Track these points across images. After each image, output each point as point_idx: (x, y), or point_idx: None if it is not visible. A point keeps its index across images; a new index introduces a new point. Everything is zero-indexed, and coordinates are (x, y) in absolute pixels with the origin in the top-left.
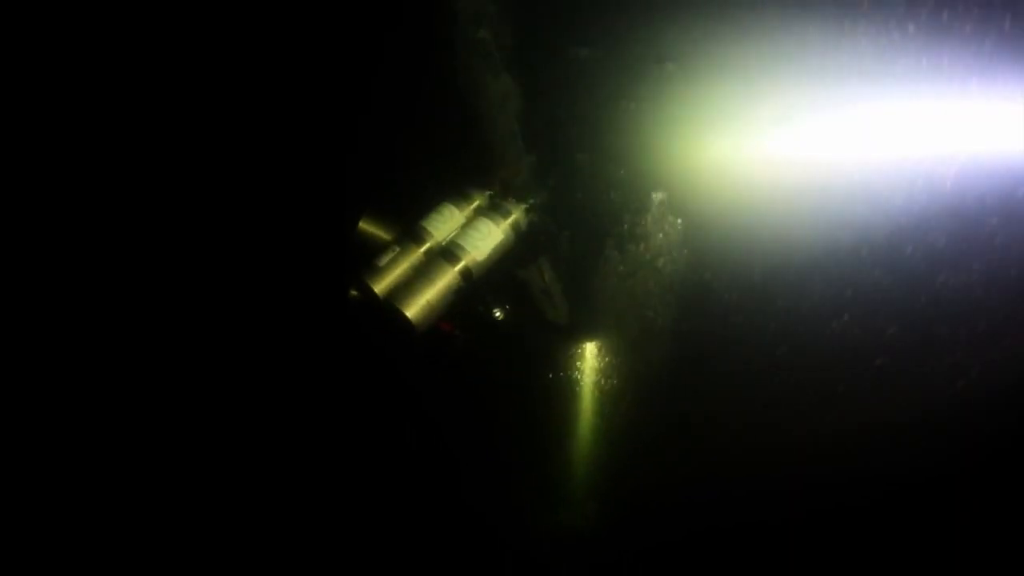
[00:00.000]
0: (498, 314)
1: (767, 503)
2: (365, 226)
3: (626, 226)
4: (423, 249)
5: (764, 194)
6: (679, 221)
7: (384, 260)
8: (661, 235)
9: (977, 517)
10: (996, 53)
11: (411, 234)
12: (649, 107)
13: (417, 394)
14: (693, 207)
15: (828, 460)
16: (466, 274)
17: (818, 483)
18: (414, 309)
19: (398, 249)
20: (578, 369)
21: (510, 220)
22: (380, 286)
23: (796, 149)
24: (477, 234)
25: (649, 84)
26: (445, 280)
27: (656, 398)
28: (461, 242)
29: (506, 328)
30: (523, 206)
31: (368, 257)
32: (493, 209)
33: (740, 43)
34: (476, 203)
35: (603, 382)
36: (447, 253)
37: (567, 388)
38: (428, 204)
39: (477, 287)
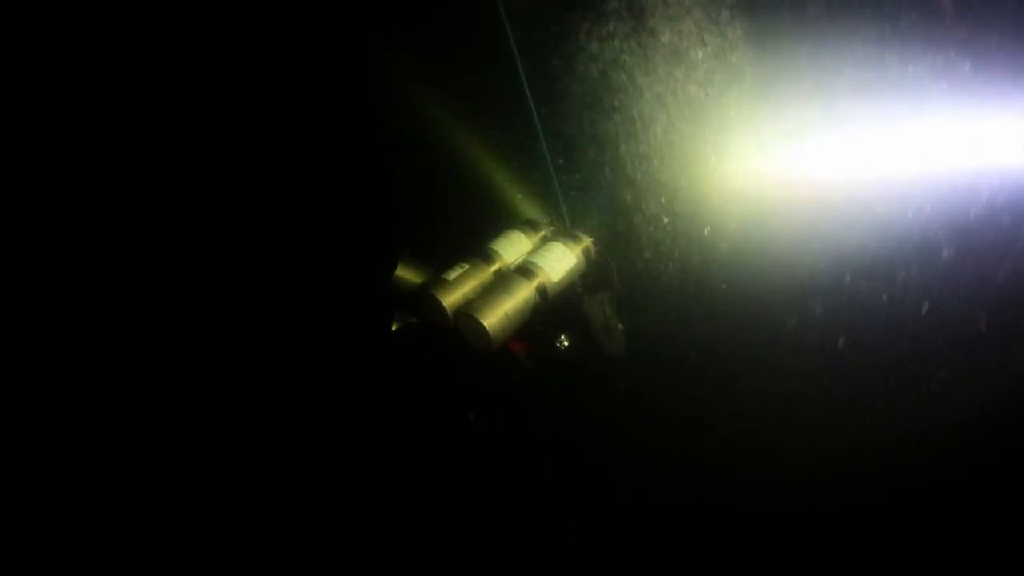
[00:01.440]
0: (565, 342)
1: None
2: (402, 273)
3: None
4: (493, 269)
5: (788, 208)
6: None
7: (453, 275)
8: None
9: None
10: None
11: (479, 254)
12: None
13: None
14: (713, 219)
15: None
16: (542, 291)
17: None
18: (491, 319)
19: (467, 266)
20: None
21: (582, 246)
22: (450, 298)
23: (819, 162)
24: (551, 255)
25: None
26: (522, 294)
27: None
28: (536, 261)
29: (568, 356)
30: (591, 237)
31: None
32: (564, 235)
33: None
34: (543, 232)
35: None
36: (522, 270)
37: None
38: (493, 231)
39: (550, 308)
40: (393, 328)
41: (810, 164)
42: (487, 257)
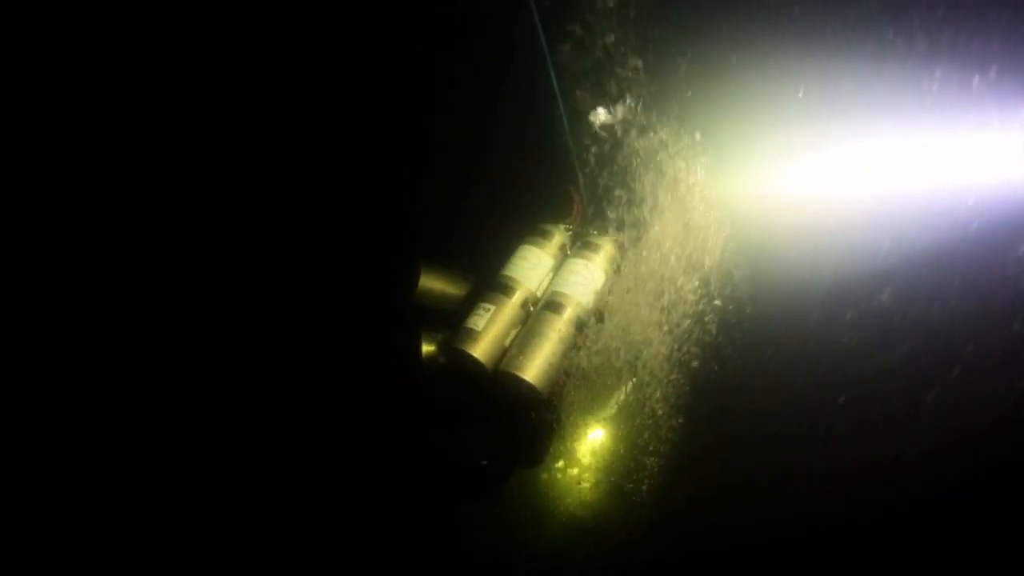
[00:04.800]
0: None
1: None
2: (427, 283)
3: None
4: (518, 302)
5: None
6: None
7: (480, 322)
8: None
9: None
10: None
11: (499, 287)
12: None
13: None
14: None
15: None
16: (579, 325)
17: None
18: (533, 372)
19: (491, 307)
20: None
21: (603, 256)
22: (486, 353)
23: (830, 178)
24: (578, 279)
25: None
26: (560, 334)
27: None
28: (564, 290)
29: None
30: (611, 238)
31: (448, 318)
32: (584, 247)
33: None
34: (556, 239)
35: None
36: (552, 304)
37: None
38: (502, 248)
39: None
40: (423, 351)
41: (822, 180)
42: (507, 289)
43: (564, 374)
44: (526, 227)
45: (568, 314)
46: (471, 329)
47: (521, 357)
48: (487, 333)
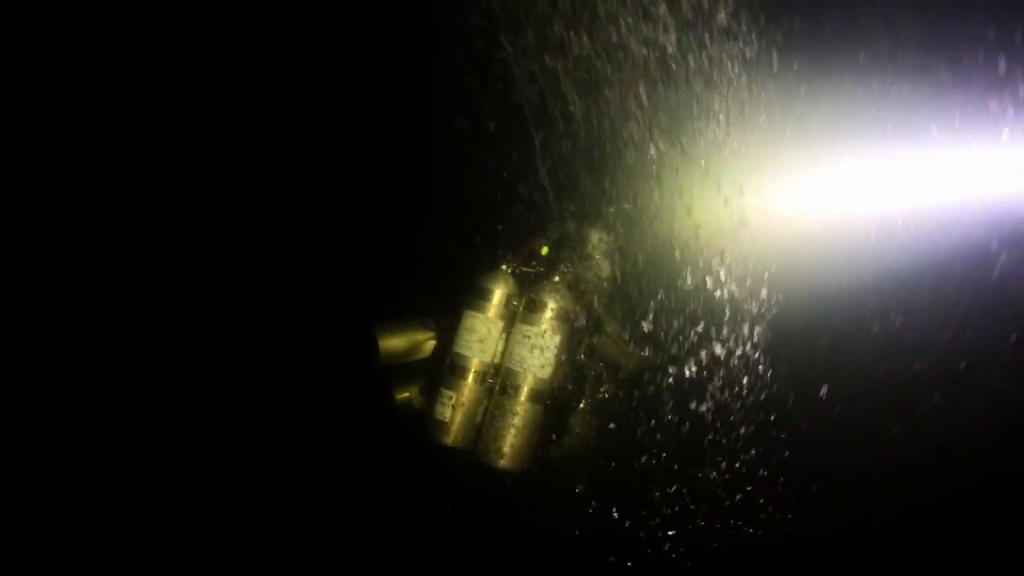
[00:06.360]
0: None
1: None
2: (387, 343)
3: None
4: (475, 380)
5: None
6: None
7: (446, 412)
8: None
9: None
10: None
11: (454, 368)
12: None
13: None
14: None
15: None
16: (538, 398)
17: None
18: (505, 460)
19: (453, 395)
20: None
21: (553, 313)
22: (456, 442)
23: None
24: (530, 351)
25: None
26: (521, 416)
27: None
28: (515, 367)
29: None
30: (556, 287)
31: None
32: (529, 308)
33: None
34: (498, 294)
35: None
36: (509, 386)
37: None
38: (449, 316)
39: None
40: (396, 399)
41: (836, 203)
42: (462, 370)
43: (546, 441)
44: (464, 288)
45: (524, 394)
46: (440, 421)
47: (491, 446)
48: (455, 420)
